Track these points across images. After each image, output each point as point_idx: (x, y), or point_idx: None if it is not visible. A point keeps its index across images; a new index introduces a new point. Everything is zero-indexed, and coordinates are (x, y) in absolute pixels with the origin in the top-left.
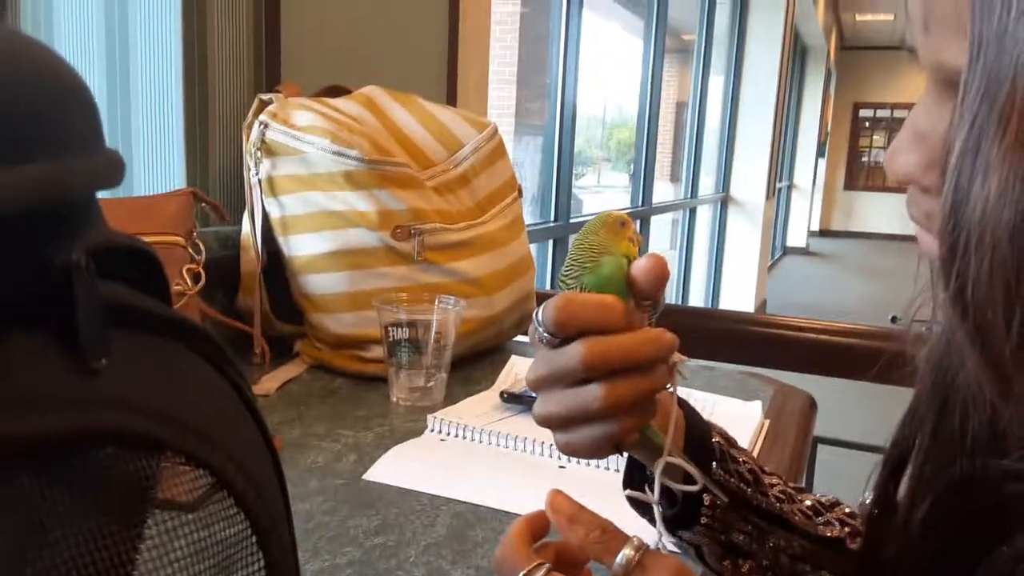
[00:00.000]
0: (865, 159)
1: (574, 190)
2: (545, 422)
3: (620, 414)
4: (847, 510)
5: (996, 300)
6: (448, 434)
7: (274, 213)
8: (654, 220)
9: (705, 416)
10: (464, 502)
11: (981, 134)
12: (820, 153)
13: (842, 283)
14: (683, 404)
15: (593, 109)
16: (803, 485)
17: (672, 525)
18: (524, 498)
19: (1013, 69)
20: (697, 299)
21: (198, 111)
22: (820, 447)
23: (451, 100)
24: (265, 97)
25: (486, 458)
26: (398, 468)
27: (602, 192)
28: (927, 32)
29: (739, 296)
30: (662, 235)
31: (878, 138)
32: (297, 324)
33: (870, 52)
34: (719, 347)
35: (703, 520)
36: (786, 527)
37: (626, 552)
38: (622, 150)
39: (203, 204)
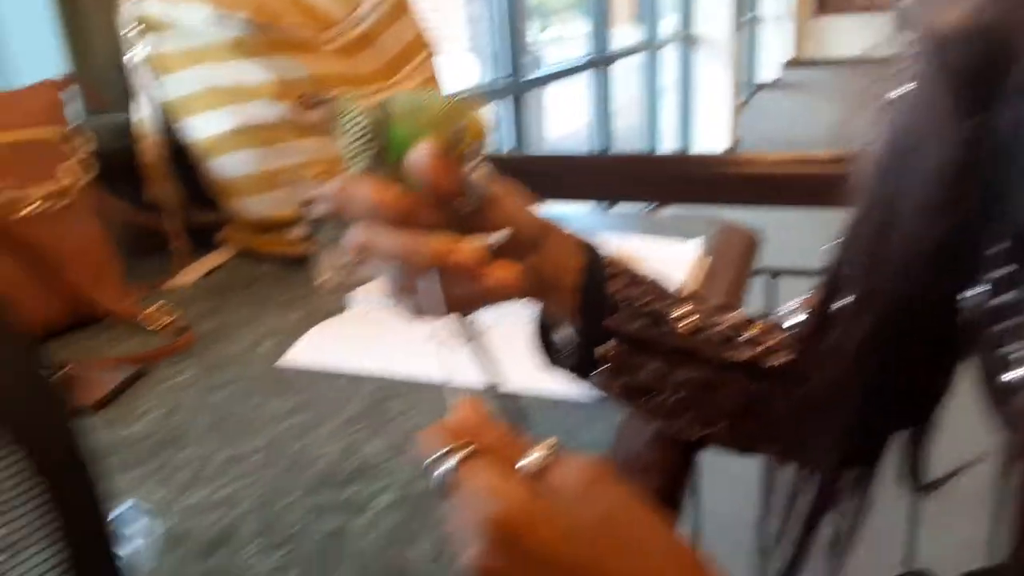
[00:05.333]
0: None
1: (536, 44)
2: None
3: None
4: (766, 325)
5: None
6: (375, 306)
7: (166, 95)
8: (617, 67)
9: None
10: (383, 378)
11: None
12: None
13: (818, 114)
14: (584, 248)
15: None
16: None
17: (575, 373)
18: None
19: None
20: (669, 144)
21: None
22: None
23: None
24: None
25: (408, 328)
26: (316, 349)
27: (564, 43)
28: None
29: (712, 137)
30: (628, 83)
31: None
32: (219, 210)
33: None
34: (667, 193)
35: (600, 368)
36: (692, 360)
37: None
38: None
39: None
